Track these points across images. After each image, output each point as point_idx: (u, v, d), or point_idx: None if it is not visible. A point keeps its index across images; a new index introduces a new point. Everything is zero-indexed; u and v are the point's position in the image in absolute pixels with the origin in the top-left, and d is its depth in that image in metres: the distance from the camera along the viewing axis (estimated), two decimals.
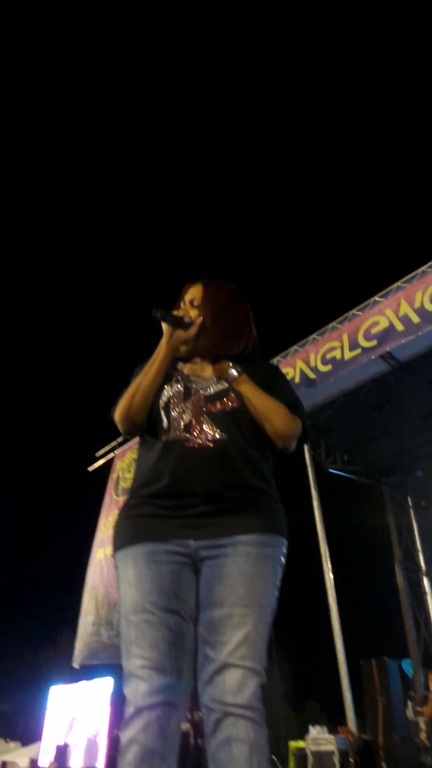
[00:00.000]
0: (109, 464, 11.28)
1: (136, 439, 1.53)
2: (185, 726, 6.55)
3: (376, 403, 8.48)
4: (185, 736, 6.42)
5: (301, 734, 7.46)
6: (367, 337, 7.22)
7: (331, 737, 6.66)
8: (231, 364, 1.47)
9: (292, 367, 7.98)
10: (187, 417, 1.39)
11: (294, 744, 7.16)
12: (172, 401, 1.43)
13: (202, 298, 1.54)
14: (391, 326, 6.97)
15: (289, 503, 1.46)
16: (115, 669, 9.10)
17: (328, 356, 7.61)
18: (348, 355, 7.35)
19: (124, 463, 10.69)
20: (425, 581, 10.20)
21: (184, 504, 1.30)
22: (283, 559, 1.34)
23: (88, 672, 9.95)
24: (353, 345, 7.33)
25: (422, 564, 10.31)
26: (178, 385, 1.46)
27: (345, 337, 7.49)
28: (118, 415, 1.45)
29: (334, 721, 8.53)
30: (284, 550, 1.35)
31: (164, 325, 1.47)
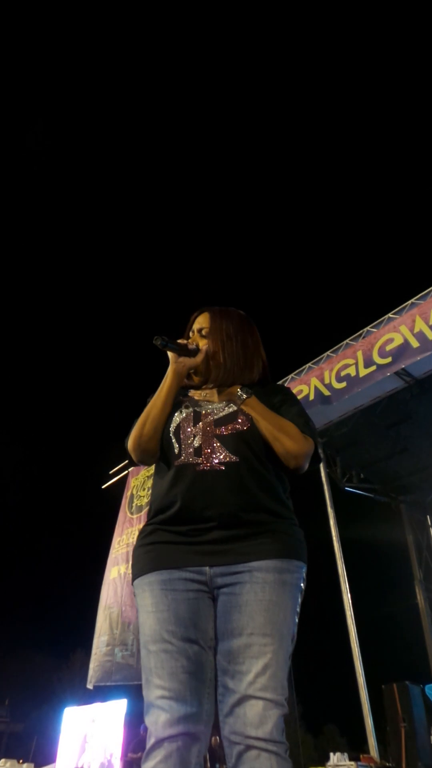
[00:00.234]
0: (123, 482, 11.26)
1: None
2: None
3: (392, 420, 8.40)
4: (203, 761, 6.29)
5: (321, 760, 7.28)
6: (382, 353, 7.18)
7: (352, 764, 6.48)
8: (240, 387, 1.47)
9: (307, 384, 7.95)
10: (197, 441, 1.39)
11: None
12: (182, 426, 1.43)
13: (210, 327, 1.55)
14: (406, 343, 6.93)
15: (304, 522, 1.44)
16: (130, 690, 8.99)
17: (343, 373, 7.57)
18: (363, 372, 7.31)
19: (138, 480, 10.67)
20: None
21: (198, 529, 1.29)
22: (302, 585, 1.31)
23: (102, 693, 9.85)
24: (368, 362, 7.30)
25: None
26: (188, 411, 1.47)
27: (359, 354, 7.46)
28: (130, 444, 1.45)
29: (354, 747, 8.30)
30: (303, 574, 1.32)
31: (170, 353, 1.48)
